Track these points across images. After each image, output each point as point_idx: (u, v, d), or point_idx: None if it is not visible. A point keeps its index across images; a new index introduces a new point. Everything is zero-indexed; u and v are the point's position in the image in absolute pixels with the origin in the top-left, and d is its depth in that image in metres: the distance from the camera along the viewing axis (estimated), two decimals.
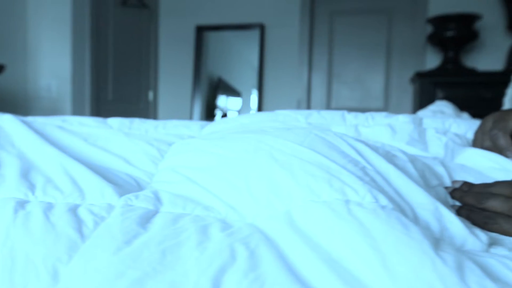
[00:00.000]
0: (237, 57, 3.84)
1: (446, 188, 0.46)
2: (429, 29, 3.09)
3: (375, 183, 0.35)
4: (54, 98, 2.65)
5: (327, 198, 0.32)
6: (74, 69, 2.66)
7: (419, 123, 0.66)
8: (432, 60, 3.20)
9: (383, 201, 0.32)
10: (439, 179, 0.46)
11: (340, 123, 0.68)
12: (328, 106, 3.55)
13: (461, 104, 2.49)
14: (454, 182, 0.47)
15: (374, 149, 0.42)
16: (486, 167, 0.53)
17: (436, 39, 2.95)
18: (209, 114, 3.98)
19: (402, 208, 0.33)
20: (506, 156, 0.54)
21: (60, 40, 2.61)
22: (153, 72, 3.72)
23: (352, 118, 0.69)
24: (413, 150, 0.55)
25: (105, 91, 3.15)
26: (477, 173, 0.51)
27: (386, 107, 3.43)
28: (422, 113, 1.23)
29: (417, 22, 3.24)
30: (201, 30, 3.62)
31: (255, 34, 3.53)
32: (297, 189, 0.34)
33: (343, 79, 3.49)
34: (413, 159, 0.46)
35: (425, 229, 0.32)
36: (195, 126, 0.72)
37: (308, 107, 3.55)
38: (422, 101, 2.84)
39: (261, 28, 3.49)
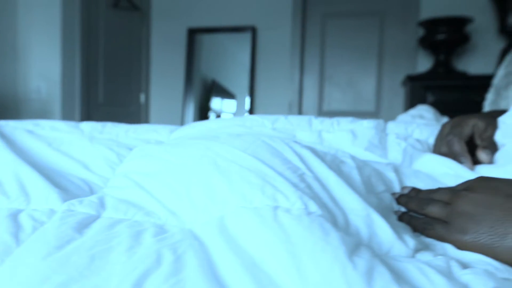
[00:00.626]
0: (231, 59, 3.85)
1: (393, 194, 0.46)
2: (420, 32, 3.10)
3: (310, 190, 0.35)
4: (44, 100, 2.66)
5: (258, 204, 0.33)
6: (64, 71, 2.66)
7: (382, 129, 0.67)
8: (424, 63, 3.22)
9: (313, 207, 0.33)
10: (388, 185, 0.47)
11: (305, 129, 0.69)
12: (320, 109, 3.57)
13: (452, 108, 2.50)
14: (403, 188, 0.48)
15: (321, 155, 0.43)
16: (440, 173, 0.54)
17: (428, 42, 2.96)
18: (202, 116, 3.99)
19: (333, 215, 0.34)
20: (460, 161, 0.54)
21: (50, 42, 2.62)
22: (144, 74, 3.72)
23: (318, 123, 0.70)
24: (371, 156, 0.56)
25: (95, 94, 3.15)
26: (430, 179, 0.52)
27: (377, 110, 3.44)
28: (401, 117, 1.24)
29: (408, 25, 3.26)
30: (193, 33, 3.63)
31: (247, 37, 3.54)
32: (232, 196, 0.35)
33: (335, 81, 3.51)
34: (362, 165, 0.46)
35: (353, 235, 0.33)
36: (165, 131, 0.73)
37: (300, 109, 3.56)
38: (413, 104, 2.85)
39: (253, 30, 3.50)
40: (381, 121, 0.70)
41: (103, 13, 3.19)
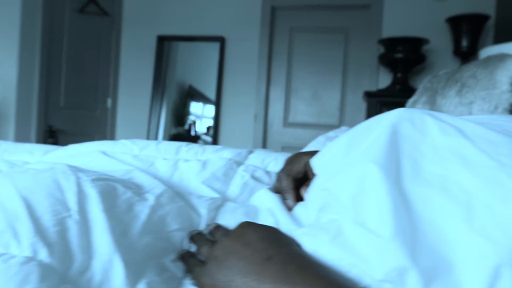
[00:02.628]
0: (208, 66, 3.86)
1: (191, 231, 0.49)
2: (381, 49, 3.17)
3: (58, 235, 0.37)
4: None
5: None
6: (20, 73, 2.65)
7: (239, 160, 0.69)
8: (385, 79, 3.28)
9: (42, 254, 0.35)
10: (189, 223, 0.49)
11: (171, 157, 0.70)
12: (285, 121, 3.60)
13: None
14: (208, 225, 0.51)
15: (111, 195, 0.45)
16: (265, 208, 0.56)
17: (387, 60, 3.03)
18: (178, 121, 4.01)
19: (71, 260, 0.36)
20: (285, 198, 0.57)
21: (6, 43, 2.61)
22: (112, 79, 3.72)
23: (185, 151, 0.72)
24: (205, 190, 0.58)
25: (56, 97, 3.14)
26: (248, 216, 0.54)
27: (341, 123, 3.49)
28: (319, 138, 1.26)
29: (371, 42, 3.32)
30: (162, 40, 3.65)
31: (215, 47, 3.56)
32: None
33: (301, 94, 3.55)
34: (165, 203, 0.49)
35: (82, 282, 0.35)
36: (39, 153, 0.75)
37: (265, 121, 3.59)
38: None
39: (222, 41, 3.53)
40: (243, 152, 0.72)
41: (68, 17, 3.19)
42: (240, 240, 0.38)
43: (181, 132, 4.06)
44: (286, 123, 3.59)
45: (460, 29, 2.96)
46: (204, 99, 3.86)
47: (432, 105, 1.09)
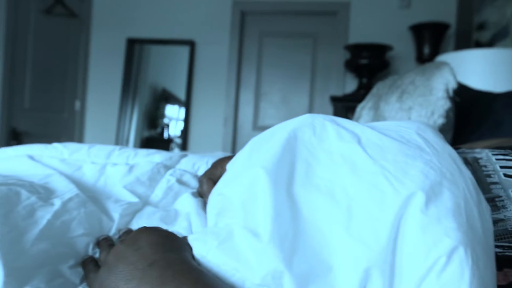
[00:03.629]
0: (180, 69, 3.82)
1: (99, 237, 0.48)
2: (347, 55, 3.22)
3: None
4: None
5: None
6: None
7: (169, 164, 0.69)
8: (351, 84, 3.34)
9: None
10: (99, 227, 0.49)
11: (100, 160, 0.70)
12: (255, 124, 3.61)
13: None
14: (119, 230, 0.50)
15: (11, 200, 0.44)
16: (186, 212, 0.57)
17: (352, 66, 3.09)
18: (151, 124, 3.97)
19: None
20: (206, 202, 0.57)
21: None
22: (81, 81, 3.66)
23: (117, 155, 0.72)
24: (125, 194, 0.58)
25: (21, 99, 3.07)
26: (164, 221, 0.54)
27: None
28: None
29: (338, 48, 3.37)
30: (132, 43, 3.61)
31: (186, 50, 3.55)
32: None
33: (270, 98, 3.57)
34: (73, 208, 0.48)
35: None
36: None
37: (235, 124, 3.59)
38: None
39: (191, 44, 3.52)
40: (175, 156, 0.72)
41: (33, 18, 3.12)
42: (132, 245, 0.38)
43: (154, 135, 4.01)
44: (256, 127, 3.60)
45: (422, 36, 3.05)
46: (179, 102, 3.84)
47: (376, 111, 1.12)
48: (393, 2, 3.32)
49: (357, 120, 1.17)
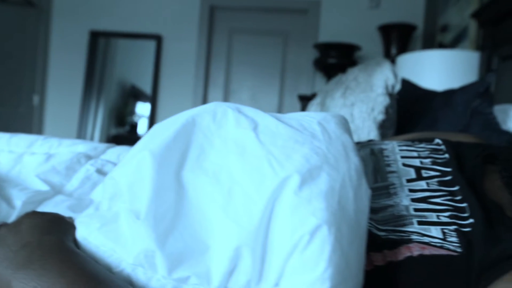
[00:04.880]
0: (148, 64, 3.76)
1: None
2: (317, 54, 3.25)
3: None
4: None
5: None
6: None
7: (91, 155, 0.69)
8: (320, 83, 3.38)
9: None
10: None
11: (20, 150, 0.69)
12: None
13: None
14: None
15: None
16: (98, 201, 0.57)
17: (321, 65, 3.12)
18: (119, 122, 3.90)
19: None
20: None
21: None
22: (40, 75, 3.54)
23: (39, 145, 0.71)
24: (37, 183, 0.58)
25: None
26: (84, 207, 0.54)
27: None
28: None
29: (308, 47, 3.40)
30: (95, 36, 3.54)
31: (152, 45, 3.51)
32: None
33: (239, 96, 3.57)
34: None
35: None
36: None
37: None
38: None
39: (158, 39, 3.48)
40: (101, 146, 0.72)
41: None
42: (13, 229, 0.39)
43: (122, 133, 3.94)
44: None
45: (390, 37, 3.10)
46: (148, 99, 3.79)
47: (322, 106, 1.14)
48: (363, 3, 3.37)
49: None
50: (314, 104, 1.23)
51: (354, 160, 0.43)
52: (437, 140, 0.58)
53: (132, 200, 0.39)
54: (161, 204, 0.37)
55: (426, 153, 0.54)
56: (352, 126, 1.03)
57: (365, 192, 0.41)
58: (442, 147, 0.55)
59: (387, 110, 1.00)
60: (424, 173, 0.51)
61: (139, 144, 0.45)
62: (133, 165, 0.40)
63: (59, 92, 3.58)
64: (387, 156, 0.55)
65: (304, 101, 3.05)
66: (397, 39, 3.11)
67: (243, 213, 0.36)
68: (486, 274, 0.40)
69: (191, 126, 0.44)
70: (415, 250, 0.42)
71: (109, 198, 0.43)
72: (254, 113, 0.48)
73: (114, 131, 3.88)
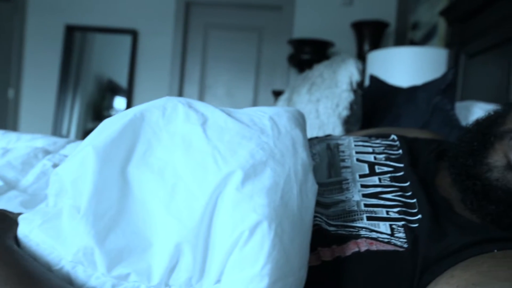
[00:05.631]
0: (124, 59, 3.69)
1: None
2: (291, 50, 3.26)
3: None
4: None
5: None
6: None
7: (50, 150, 0.68)
8: (295, 79, 3.39)
9: None
10: None
11: None
12: None
13: None
14: None
15: None
16: None
17: (295, 61, 3.13)
18: (96, 116, 3.82)
19: None
20: None
21: None
22: (15, 68, 3.47)
23: None
24: None
25: None
26: (36, 203, 0.53)
27: None
28: None
29: (283, 42, 3.41)
30: (72, 30, 3.46)
31: (127, 40, 3.46)
32: None
33: (214, 91, 3.56)
34: None
35: None
36: None
37: None
38: None
39: (134, 34, 3.43)
40: (61, 141, 0.71)
41: None
42: None
43: None
44: None
45: (363, 34, 3.14)
46: (124, 93, 3.72)
47: (289, 102, 1.14)
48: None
49: None
50: (282, 99, 1.23)
51: (302, 155, 0.44)
52: (393, 136, 0.59)
53: (75, 196, 0.38)
54: (103, 200, 0.37)
55: (380, 149, 0.55)
56: (317, 122, 1.04)
57: (311, 188, 0.41)
58: (397, 143, 0.56)
59: (351, 106, 1.01)
60: (378, 169, 0.52)
61: (86, 139, 0.44)
62: (77, 161, 0.39)
63: (34, 86, 3.50)
64: (343, 151, 0.55)
65: (278, 96, 3.06)
66: (370, 36, 3.14)
67: (185, 210, 0.36)
68: (429, 269, 0.41)
69: (140, 121, 0.44)
70: (363, 246, 0.42)
71: (55, 194, 0.42)
72: (205, 108, 0.47)
73: (91, 125, 3.81)
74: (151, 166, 0.40)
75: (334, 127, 1.04)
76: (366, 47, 3.11)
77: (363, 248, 0.42)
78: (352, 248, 0.42)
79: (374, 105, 1.19)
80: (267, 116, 0.49)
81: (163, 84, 3.47)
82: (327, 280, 0.42)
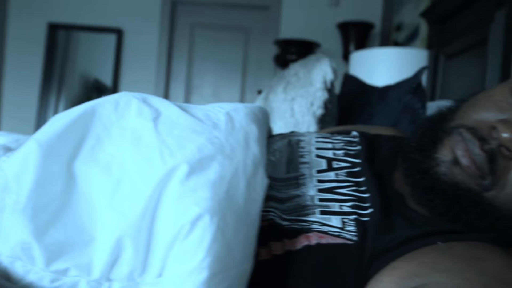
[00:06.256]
0: (109, 59, 3.65)
1: None
2: (277, 50, 3.27)
3: None
4: None
5: None
6: None
7: (13, 147, 0.67)
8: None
9: None
10: None
11: None
12: None
13: None
14: None
15: None
16: None
17: (281, 61, 3.14)
18: None
19: None
20: None
21: None
22: None
23: None
24: None
25: None
26: None
27: None
28: None
29: (270, 43, 3.42)
30: (54, 28, 3.42)
31: (112, 39, 3.43)
32: None
33: (201, 91, 3.55)
34: None
35: None
36: None
37: None
38: None
39: (119, 33, 3.41)
40: (23, 138, 0.70)
41: None
42: None
43: None
44: None
45: (348, 34, 3.16)
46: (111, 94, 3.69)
47: (266, 101, 1.14)
48: (323, 0, 3.41)
49: None
50: (260, 98, 1.24)
51: (254, 150, 0.44)
52: (354, 133, 0.59)
53: (18, 191, 0.38)
54: (44, 195, 0.36)
55: (340, 145, 0.55)
56: (292, 121, 1.05)
57: (261, 182, 0.41)
58: (357, 139, 0.57)
59: (326, 105, 1.02)
60: (335, 164, 0.52)
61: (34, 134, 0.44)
62: (20, 155, 0.39)
63: (17, 84, 3.45)
64: (303, 147, 0.55)
65: None
66: (356, 37, 3.16)
67: (128, 203, 0.36)
68: (376, 262, 0.41)
69: (90, 116, 0.44)
70: (313, 239, 0.43)
71: (1, 190, 0.41)
72: (160, 104, 0.47)
73: None
74: (99, 161, 0.40)
75: (309, 126, 1.04)
76: (351, 48, 3.13)
77: (313, 242, 0.42)
78: (302, 242, 0.42)
79: (351, 104, 1.19)
80: (224, 112, 0.49)
81: (149, 84, 3.45)
82: (278, 274, 0.42)
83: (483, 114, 0.45)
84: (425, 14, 1.93)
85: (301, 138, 0.58)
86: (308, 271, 0.41)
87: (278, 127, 1.09)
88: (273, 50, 3.35)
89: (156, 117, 0.44)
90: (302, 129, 1.04)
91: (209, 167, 0.38)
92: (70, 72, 3.58)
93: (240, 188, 0.39)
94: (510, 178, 0.42)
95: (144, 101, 0.47)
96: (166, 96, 3.51)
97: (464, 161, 0.43)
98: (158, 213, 0.36)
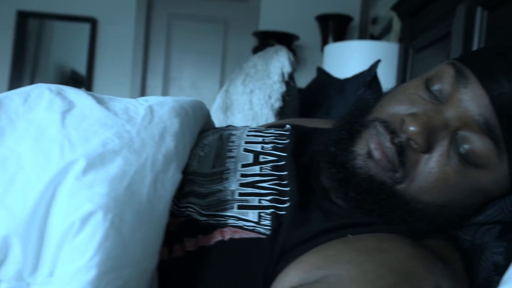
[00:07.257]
0: (82, 49, 3.58)
1: None
2: (256, 42, 3.25)
3: None
4: None
5: None
6: None
7: None
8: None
9: None
10: None
11: None
12: None
13: None
14: None
15: None
16: None
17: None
18: None
19: None
20: None
21: None
22: None
23: None
24: None
25: None
26: None
27: None
28: None
29: (249, 35, 3.39)
30: (24, 16, 3.32)
31: (86, 28, 3.36)
32: None
33: (179, 83, 3.51)
34: None
35: None
36: None
37: None
38: None
39: (93, 22, 3.34)
40: None
41: None
42: None
43: None
44: None
45: (327, 27, 3.15)
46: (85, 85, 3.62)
47: (227, 93, 1.13)
48: None
49: (213, 103, 1.18)
50: (221, 91, 1.22)
51: (169, 145, 0.43)
52: (287, 126, 0.58)
53: None
54: None
55: (270, 139, 0.55)
56: (251, 113, 1.04)
57: (171, 178, 0.40)
58: (288, 132, 0.56)
59: (283, 97, 1.01)
60: (262, 158, 0.51)
61: None
62: None
63: None
64: (232, 142, 0.54)
65: None
66: (334, 30, 3.16)
67: (18, 200, 0.34)
68: (286, 256, 0.40)
69: None
70: (227, 234, 0.42)
71: None
72: (75, 96, 0.45)
73: None
74: None
75: (267, 119, 1.03)
76: (330, 40, 3.12)
77: (227, 237, 0.41)
78: (216, 237, 0.42)
79: (314, 96, 1.19)
80: (146, 105, 0.47)
81: (125, 76, 3.39)
82: (190, 270, 0.41)
83: (396, 107, 0.44)
84: (396, 8, 1.93)
85: (234, 132, 0.57)
86: (219, 266, 0.41)
87: (238, 120, 1.08)
88: (253, 42, 3.33)
89: (68, 110, 0.43)
90: (260, 121, 1.03)
91: (111, 162, 0.37)
92: (44, 62, 3.50)
93: (145, 184, 0.37)
94: (419, 171, 0.42)
95: (58, 93, 0.45)
96: (143, 88, 3.46)
97: (376, 154, 0.43)
98: (52, 210, 0.35)
